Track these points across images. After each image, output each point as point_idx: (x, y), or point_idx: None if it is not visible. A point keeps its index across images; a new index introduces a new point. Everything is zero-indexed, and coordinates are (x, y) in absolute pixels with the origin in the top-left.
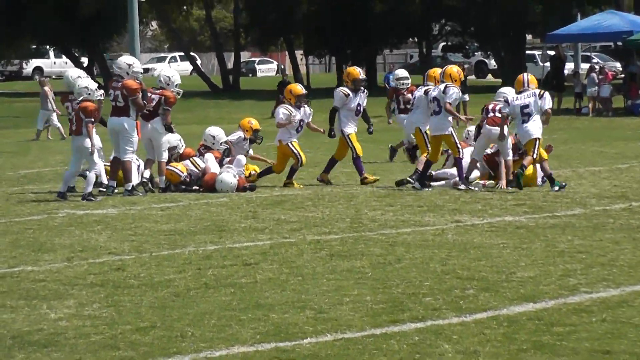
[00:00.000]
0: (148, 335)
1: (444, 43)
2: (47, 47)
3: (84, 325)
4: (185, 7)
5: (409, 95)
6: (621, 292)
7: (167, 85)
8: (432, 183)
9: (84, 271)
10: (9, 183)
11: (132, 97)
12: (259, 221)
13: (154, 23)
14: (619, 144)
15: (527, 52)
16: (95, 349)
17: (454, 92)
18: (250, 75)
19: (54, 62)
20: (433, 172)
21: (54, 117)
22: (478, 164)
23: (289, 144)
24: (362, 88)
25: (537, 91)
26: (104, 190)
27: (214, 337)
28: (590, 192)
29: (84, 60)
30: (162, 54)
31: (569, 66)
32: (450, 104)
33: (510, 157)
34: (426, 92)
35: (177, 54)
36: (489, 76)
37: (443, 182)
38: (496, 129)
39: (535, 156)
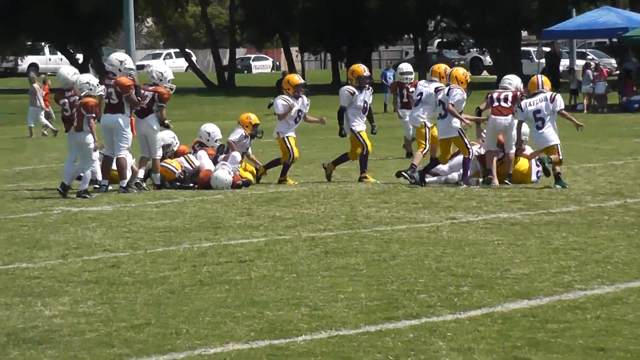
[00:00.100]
0: (143, 332)
1: (440, 40)
2: (42, 43)
3: (78, 323)
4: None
5: (413, 89)
6: (615, 289)
7: (160, 81)
8: (425, 179)
9: (78, 268)
10: (4, 180)
11: (125, 93)
12: (253, 218)
13: (149, 20)
14: (614, 140)
15: (523, 48)
16: (90, 346)
17: (457, 93)
18: (245, 71)
19: (49, 59)
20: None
21: (42, 114)
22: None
23: (285, 138)
24: (367, 85)
25: (549, 94)
26: (98, 187)
27: (208, 334)
28: (585, 189)
29: (79, 57)
30: (158, 51)
31: (564, 63)
32: (453, 105)
33: (513, 150)
34: (437, 90)
35: (172, 51)
36: (485, 73)
37: (435, 178)
38: (501, 119)
39: (561, 157)
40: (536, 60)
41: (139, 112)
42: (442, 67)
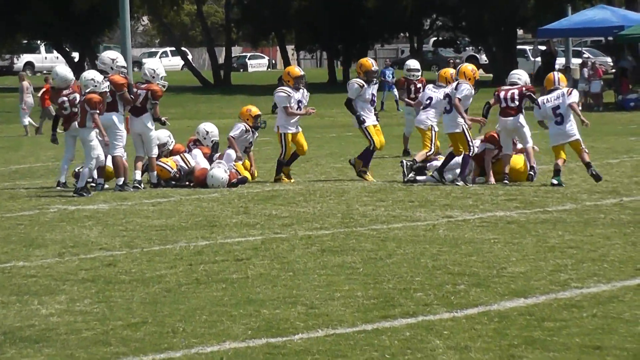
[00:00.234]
0: (139, 331)
1: (435, 38)
2: (39, 42)
3: (75, 321)
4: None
5: (420, 85)
6: (612, 288)
7: (153, 78)
8: (417, 177)
9: (75, 267)
10: (1, 178)
11: (119, 92)
12: (250, 216)
13: (145, 18)
14: (609, 139)
15: (518, 47)
16: (86, 345)
17: (466, 88)
18: (241, 70)
19: (45, 57)
20: (422, 164)
21: (22, 113)
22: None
23: (283, 134)
24: (375, 79)
25: (566, 90)
26: (94, 186)
27: (205, 332)
28: (581, 187)
29: (75, 55)
30: (154, 49)
31: (560, 61)
32: (460, 99)
33: (530, 144)
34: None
35: (168, 49)
36: (480, 71)
37: (430, 177)
38: (510, 119)
39: (587, 151)
40: (532, 59)
41: (133, 110)
42: (448, 71)
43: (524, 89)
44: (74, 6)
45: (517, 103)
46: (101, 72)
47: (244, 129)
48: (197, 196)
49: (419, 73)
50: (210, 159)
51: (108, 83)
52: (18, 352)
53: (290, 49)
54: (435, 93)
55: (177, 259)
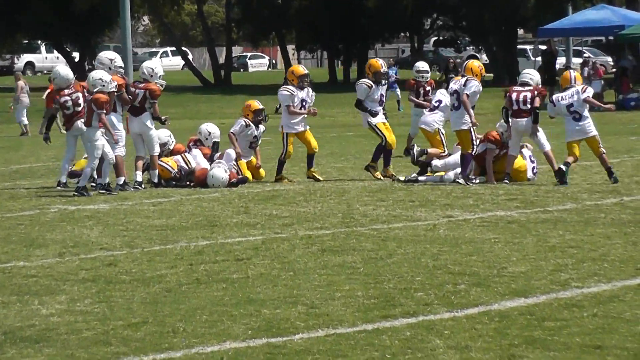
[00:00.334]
0: (140, 330)
1: (436, 38)
2: (39, 42)
3: (75, 321)
4: (177, 4)
5: (429, 88)
6: (612, 287)
7: (151, 77)
8: (419, 177)
9: (75, 267)
10: (1, 178)
11: (117, 92)
12: (250, 216)
13: (145, 18)
14: (610, 138)
15: (519, 46)
16: (87, 345)
17: (474, 85)
18: (242, 70)
19: (46, 57)
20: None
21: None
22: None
23: (286, 133)
24: (383, 80)
25: (580, 87)
26: (94, 186)
27: (205, 332)
28: (581, 187)
29: (76, 55)
30: (154, 49)
31: (561, 61)
32: (468, 95)
33: (548, 148)
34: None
35: (168, 49)
36: None
37: (430, 177)
38: (523, 121)
39: (604, 151)
40: (532, 59)
41: (132, 110)
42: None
43: (535, 92)
44: (74, 6)
45: (529, 106)
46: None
47: (244, 124)
48: (197, 196)
49: (428, 75)
50: (210, 159)
51: (115, 83)
52: (18, 352)
53: (290, 48)
54: (445, 97)
55: (178, 258)
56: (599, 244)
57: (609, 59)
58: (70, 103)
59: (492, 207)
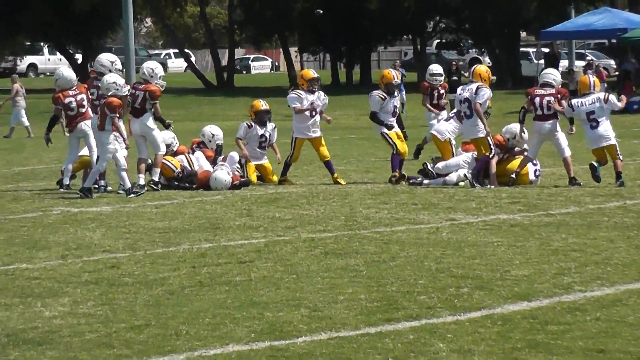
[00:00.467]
0: (143, 333)
1: (438, 40)
2: (42, 43)
3: (78, 323)
4: (179, 6)
5: (442, 91)
6: (615, 291)
7: (151, 77)
8: (424, 181)
9: (78, 269)
10: (3, 180)
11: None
12: (253, 219)
13: (148, 20)
14: None
15: (522, 49)
16: (89, 347)
17: (486, 92)
18: (244, 72)
19: (48, 59)
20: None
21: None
22: (467, 163)
23: (294, 139)
24: (395, 92)
25: (602, 95)
26: (96, 188)
27: (208, 335)
28: (584, 190)
29: (78, 57)
30: (157, 51)
31: (563, 63)
32: (480, 104)
33: (568, 154)
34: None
35: (171, 51)
36: None
37: (427, 182)
38: (545, 124)
39: (621, 158)
40: (535, 61)
41: (133, 112)
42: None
43: (558, 95)
44: (74, 6)
45: (552, 111)
46: (99, 74)
47: (246, 126)
48: (200, 198)
49: (442, 78)
50: (214, 162)
51: (129, 87)
52: (21, 354)
53: (293, 51)
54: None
55: (181, 261)
56: (602, 248)
57: (612, 62)
58: (74, 104)
59: (495, 211)
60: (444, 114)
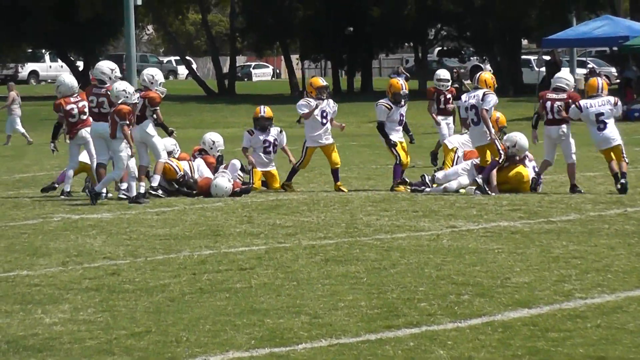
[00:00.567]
0: (143, 340)
1: (440, 48)
2: (43, 50)
3: (79, 330)
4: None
5: (449, 96)
6: (616, 298)
7: (151, 84)
8: (427, 189)
9: (79, 276)
10: (4, 187)
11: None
12: (254, 226)
13: (150, 27)
14: None
15: (523, 57)
16: (90, 354)
17: (492, 98)
18: (245, 79)
19: (50, 66)
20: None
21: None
22: (466, 171)
23: (306, 147)
24: (402, 101)
25: (612, 99)
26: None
27: (208, 342)
28: (585, 198)
29: (80, 65)
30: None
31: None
32: (487, 110)
33: (573, 161)
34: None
35: (173, 58)
36: None
37: (428, 189)
38: (556, 128)
39: (627, 161)
40: (536, 69)
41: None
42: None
43: (570, 100)
44: (79, 14)
45: (563, 115)
46: (99, 81)
47: (248, 134)
48: (201, 205)
49: (449, 83)
50: (215, 171)
51: (139, 95)
52: None
53: (294, 58)
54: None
55: (181, 268)
56: (602, 255)
57: (613, 69)
58: (76, 111)
59: (496, 218)
60: (450, 118)
